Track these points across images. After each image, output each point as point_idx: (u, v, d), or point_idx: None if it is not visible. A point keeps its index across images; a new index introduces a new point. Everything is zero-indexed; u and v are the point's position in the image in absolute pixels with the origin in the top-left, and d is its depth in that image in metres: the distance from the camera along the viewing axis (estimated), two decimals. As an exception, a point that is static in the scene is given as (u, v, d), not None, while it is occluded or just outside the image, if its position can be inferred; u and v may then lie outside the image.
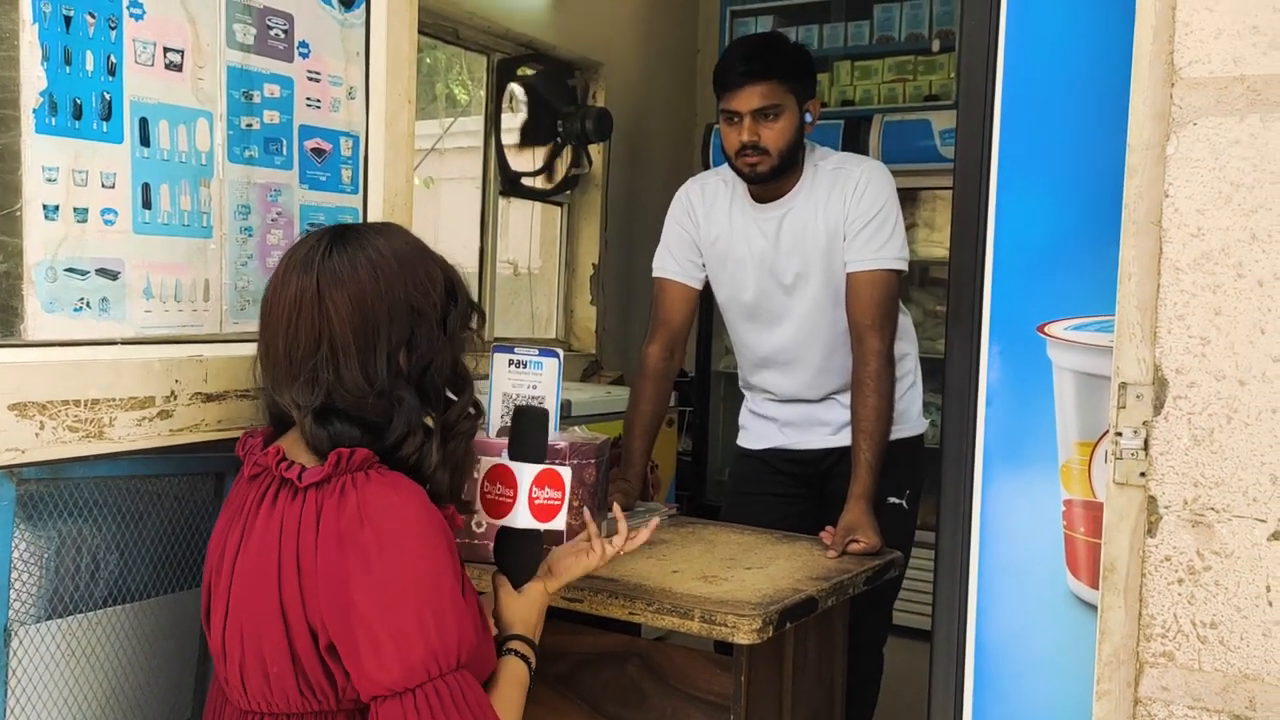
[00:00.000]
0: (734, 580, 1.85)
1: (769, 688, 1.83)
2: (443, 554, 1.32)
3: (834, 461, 2.47)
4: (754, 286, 2.42)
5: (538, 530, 1.52)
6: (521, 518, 1.50)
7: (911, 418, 2.52)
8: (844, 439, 2.39)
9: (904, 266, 2.34)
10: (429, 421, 1.41)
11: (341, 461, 1.33)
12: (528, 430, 1.54)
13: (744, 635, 1.65)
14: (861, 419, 2.26)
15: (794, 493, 2.56)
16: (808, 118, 2.34)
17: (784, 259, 2.38)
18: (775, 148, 2.28)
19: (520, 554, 1.53)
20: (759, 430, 2.60)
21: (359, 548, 1.28)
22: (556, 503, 1.52)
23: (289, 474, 1.35)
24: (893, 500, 2.38)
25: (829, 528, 2.17)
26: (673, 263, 2.47)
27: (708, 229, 2.44)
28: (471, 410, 1.46)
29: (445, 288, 1.43)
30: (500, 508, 1.51)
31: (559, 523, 1.52)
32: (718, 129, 2.39)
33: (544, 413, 1.58)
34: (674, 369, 2.51)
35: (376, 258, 1.37)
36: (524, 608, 1.52)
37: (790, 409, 2.53)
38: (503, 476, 1.50)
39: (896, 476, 2.39)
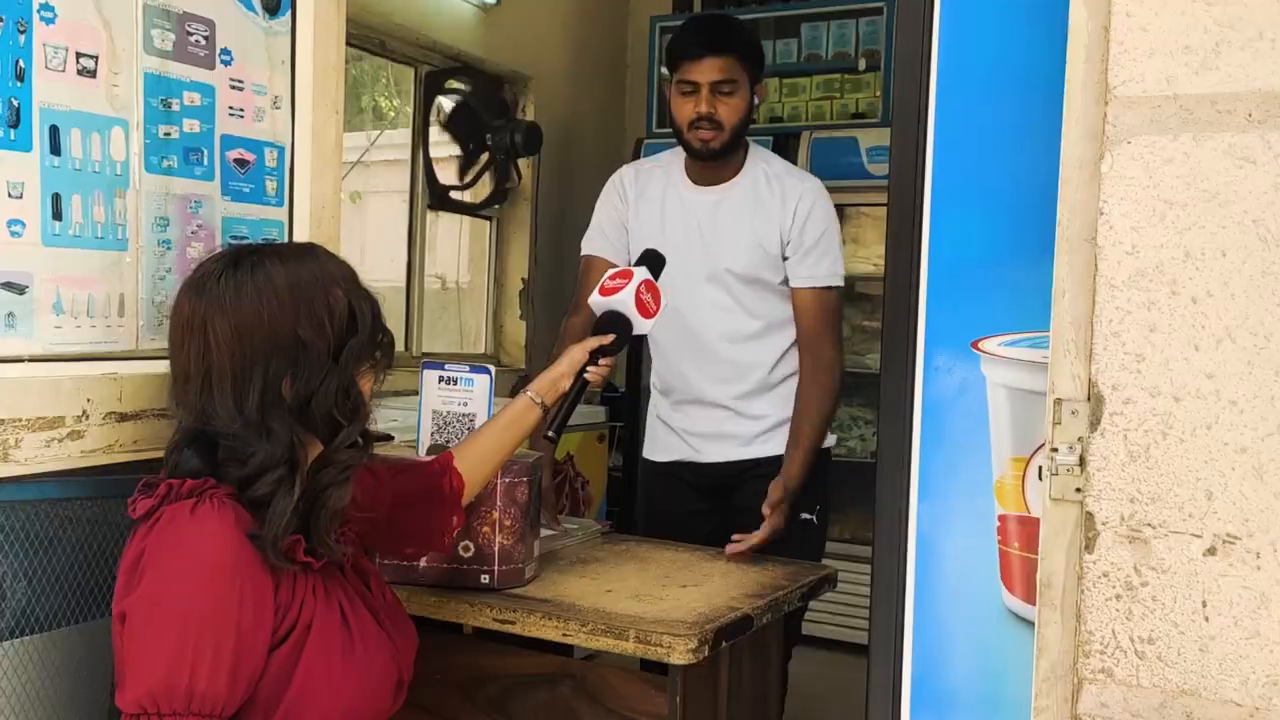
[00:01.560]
0: (669, 599, 1.83)
1: (704, 706, 1.81)
2: (233, 596, 1.26)
3: (740, 473, 2.47)
4: (675, 272, 2.42)
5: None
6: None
7: None
8: (753, 451, 2.44)
9: (843, 280, 2.44)
10: (312, 448, 1.38)
11: (171, 492, 1.30)
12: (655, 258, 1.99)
13: (680, 655, 1.62)
14: (803, 419, 2.34)
15: (703, 508, 2.54)
16: (755, 100, 2.41)
17: (710, 246, 2.40)
18: (729, 123, 2.34)
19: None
20: (665, 441, 2.58)
21: (146, 570, 1.26)
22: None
23: (131, 502, 1.33)
24: (804, 516, 2.39)
25: (735, 538, 2.18)
26: (602, 240, 2.50)
27: (637, 210, 2.47)
28: (358, 440, 1.42)
29: (346, 318, 1.38)
30: (645, 309, 1.89)
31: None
32: (669, 99, 2.43)
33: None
34: None
35: (264, 285, 1.34)
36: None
37: (698, 418, 2.51)
38: (649, 288, 1.90)
39: (807, 491, 2.41)
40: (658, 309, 1.90)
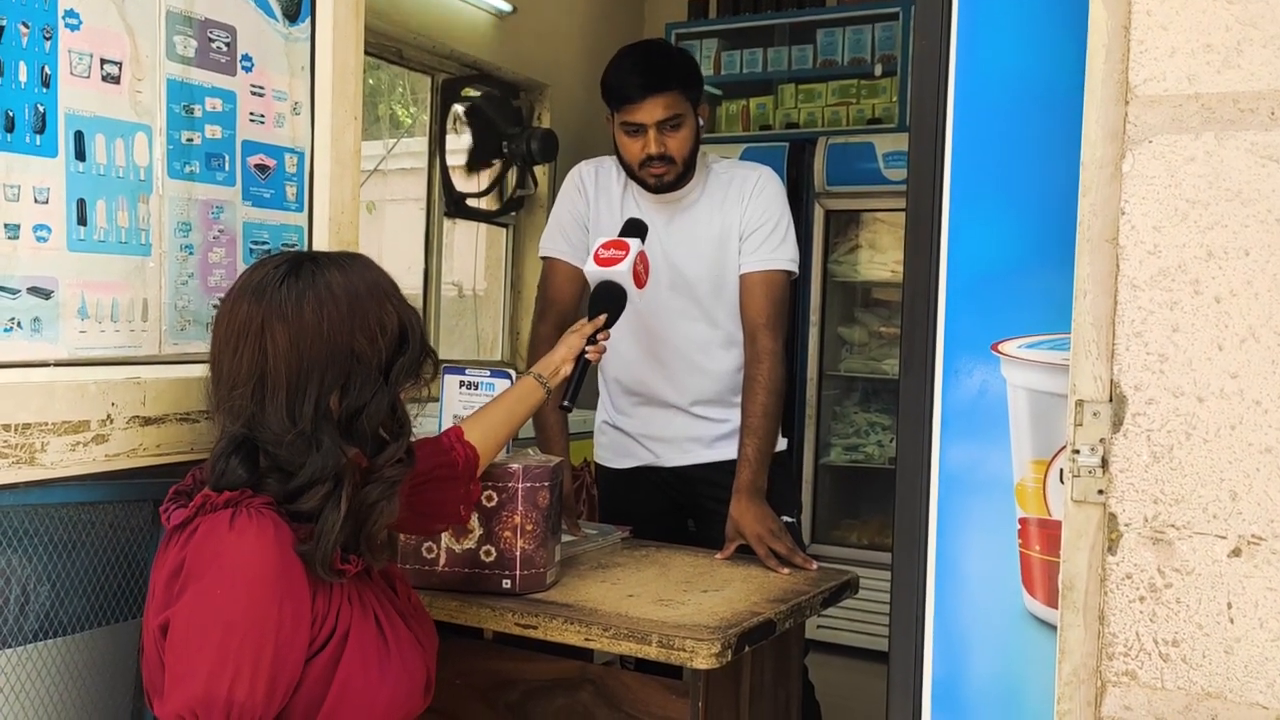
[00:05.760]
0: (690, 604, 1.83)
1: (726, 713, 1.80)
2: (272, 608, 1.26)
3: (705, 475, 2.44)
4: None
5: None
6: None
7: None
8: (715, 454, 2.41)
9: (796, 269, 2.39)
10: (356, 461, 1.37)
11: (207, 503, 1.29)
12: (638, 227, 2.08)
13: (702, 660, 1.62)
14: (749, 415, 2.28)
15: (672, 507, 2.51)
16: (700, 123, 2.38)
17: (671, 255, 2.38)
18: (680, 156, 2.31)
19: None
20: (625, 448, 2.55)
21: (189, 582, 1.26)
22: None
23: (164, 512, 1.33)
24: (786, 519, 2.38)
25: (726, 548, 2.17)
26: (563, 242, 2.43)
27: (595, 210, 2.43)
28: (403, 456, 1.42)
29: (397, 333, 1.39)
30: (639, 279, 1.98)
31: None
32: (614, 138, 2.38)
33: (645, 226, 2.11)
34: None
35: (324, 295, 1.34)
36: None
37: (657, 422, 2.48)
38: (643, 259, 1.98)
39: (785, 494, 2.41)
40: (647, 278, 1.99)
